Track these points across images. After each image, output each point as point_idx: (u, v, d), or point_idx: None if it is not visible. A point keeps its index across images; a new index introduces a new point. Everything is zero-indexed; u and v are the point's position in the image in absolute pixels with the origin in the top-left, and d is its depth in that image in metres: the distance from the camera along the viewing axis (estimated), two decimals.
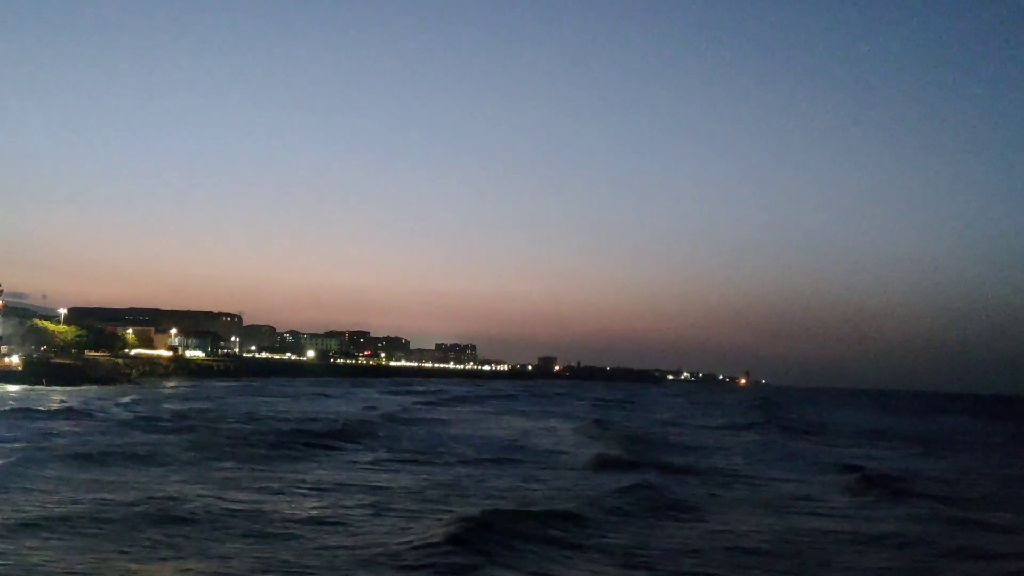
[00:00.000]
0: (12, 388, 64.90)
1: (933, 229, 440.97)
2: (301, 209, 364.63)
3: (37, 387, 69.10)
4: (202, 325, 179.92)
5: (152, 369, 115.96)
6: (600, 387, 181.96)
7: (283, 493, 21.02)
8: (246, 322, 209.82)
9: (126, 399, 56.35)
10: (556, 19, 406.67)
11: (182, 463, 25.31)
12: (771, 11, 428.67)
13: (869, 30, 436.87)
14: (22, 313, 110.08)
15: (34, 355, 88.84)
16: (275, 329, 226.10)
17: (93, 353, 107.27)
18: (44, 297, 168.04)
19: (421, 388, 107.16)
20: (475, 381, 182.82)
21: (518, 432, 44.84)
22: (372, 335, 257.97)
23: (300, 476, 24.15)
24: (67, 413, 42.22)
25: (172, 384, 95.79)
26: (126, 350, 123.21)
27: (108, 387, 75.62)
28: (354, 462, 28.53)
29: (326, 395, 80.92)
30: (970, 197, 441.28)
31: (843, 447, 44.35)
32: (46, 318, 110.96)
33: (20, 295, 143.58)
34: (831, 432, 56.35)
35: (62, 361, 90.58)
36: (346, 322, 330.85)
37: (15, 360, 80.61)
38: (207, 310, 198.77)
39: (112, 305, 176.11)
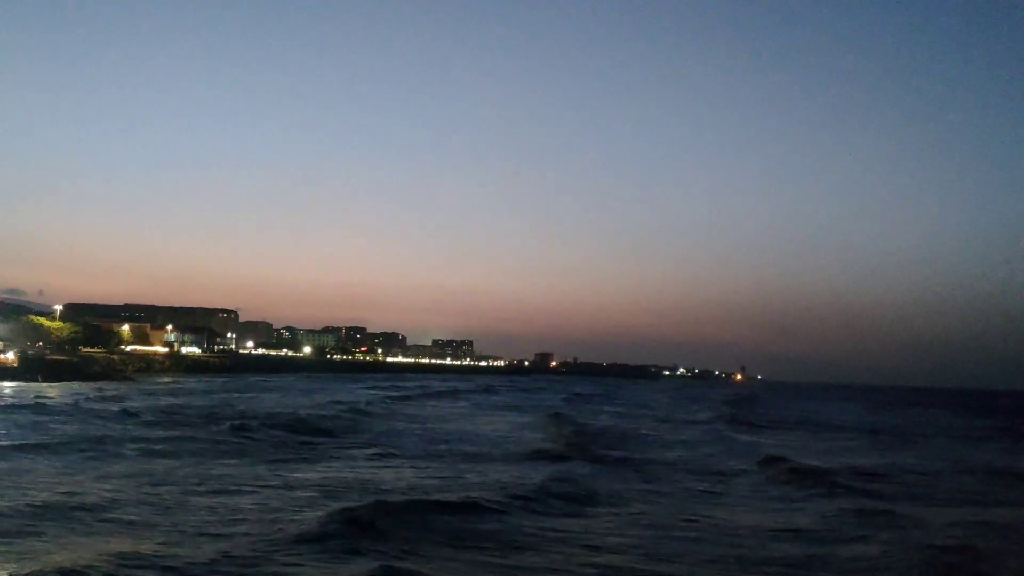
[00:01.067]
0: (7, 385, 65.01)
1: (931, 226, 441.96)
2: (298, 205, 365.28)
3: (33, 384, 69.18)
4: (198, 321, 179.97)
5: (148, 365, 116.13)
6: (586, 383, 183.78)
7: (176, 484, 21.06)
8: (242, 318, 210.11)
9: (107, 394, 56.49)
10: (559, 15, 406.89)
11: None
12: (774, 9, 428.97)
13: (868, 28, 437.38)
14: (18, 309, 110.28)
15: (30, 352, 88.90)
16: (271, 325, 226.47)
17: (89, 349, 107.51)
18: (41, 293, 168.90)
19: (406, 384, 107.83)
20: (466, 377, 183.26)
21: (473, 425, 45.51)
22: (369, 331, 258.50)
23: (210, 470, 24.20)
24: (33, 408, 42.46)
25: (167, 380, 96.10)
26: (122, 346, 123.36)
27: (97, 383, 75.52)
28: (283, 460, 28.24)
29: (308, 390, 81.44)
30: (967, 195, 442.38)
31: (793, 440, 45.02)
32: (42, 314, 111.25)
33: (17, 291, 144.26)
34: (789, 427, 57.09)
35: (58, 358, 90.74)
36: (343, 318, 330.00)
37: (11, 357, 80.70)
38: (203, 306, 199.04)
39: (108, 301, 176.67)
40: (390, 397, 69.54)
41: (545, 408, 62.70)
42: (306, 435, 35.70)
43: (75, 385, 70.09)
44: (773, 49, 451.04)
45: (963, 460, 36.13)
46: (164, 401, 53.64)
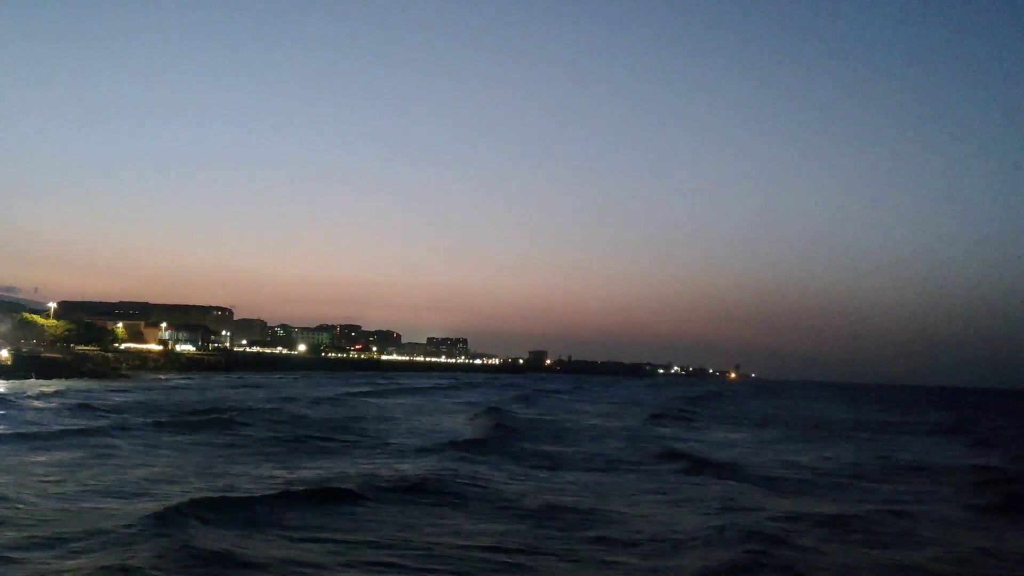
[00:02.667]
0: (0, 383, 65.34)
1: (927, 224, 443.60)
2: (292, 202, 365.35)
3: (26, 381, 69.46)
4: (193, 319, 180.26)
5: (143, 363, 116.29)
6: (569, 380, 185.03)
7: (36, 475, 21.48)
8: (237, 316, 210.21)
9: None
10: (554, 13, 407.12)
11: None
12: (769, 6, 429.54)
13: (864, 24, 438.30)
14: (12, 307, 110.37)
15: (24, 349, 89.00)
16: (266, 323, 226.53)
17: (83, 347, 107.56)
18: (36, 291, 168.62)
19: (384, 380, 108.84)
20: (454, 374, 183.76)
21: (410, 419, 45.87)
22: (363, 329, 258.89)
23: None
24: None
25: (162, 376, 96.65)
26: (116, 344, 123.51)
27: (87, 381, 75.87)
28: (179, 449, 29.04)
29: (281, 386, 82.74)
30: (963, 192, 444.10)
31: (724, 436, 45.77)
32: (36, 312, 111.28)
33: (11, 289, 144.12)
34: (735, 423, 57.92)
35: (52, 355, 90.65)
36: (337, 316, 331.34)
37: (4, 354, 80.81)
38: (198, 304, 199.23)
39: (102, 299, 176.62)
40: (358, 393, 70.87)
41: (494, 402, 63.09)
42: (213, 426, 36.01)
43: (71, 383, 70.26)
44: (771, 47, 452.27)
45: (878, 455, 37.25)
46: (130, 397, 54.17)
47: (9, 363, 78.17)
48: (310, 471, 23.70)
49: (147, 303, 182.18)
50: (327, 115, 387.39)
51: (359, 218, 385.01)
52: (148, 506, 16.95)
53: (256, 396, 59.46)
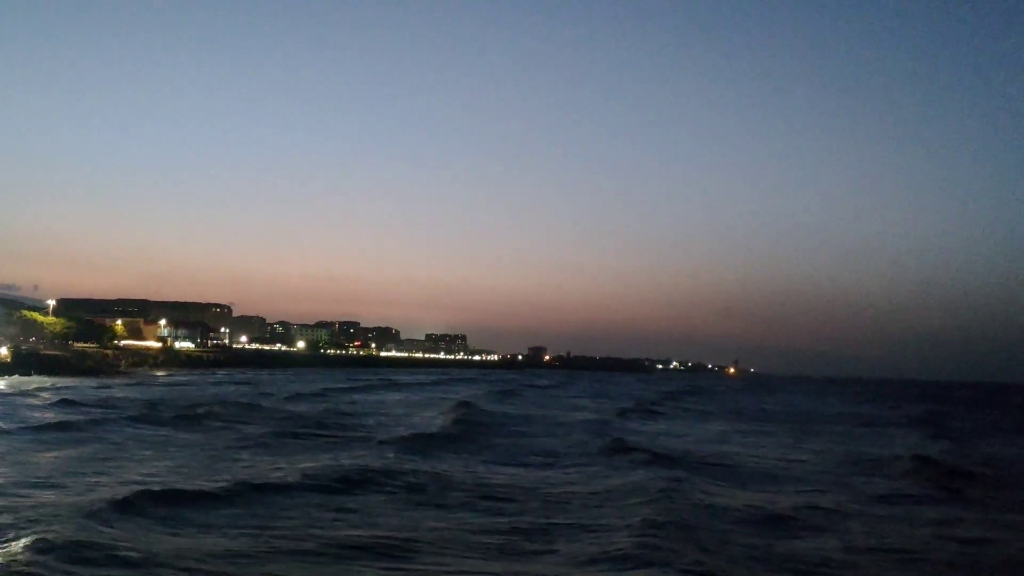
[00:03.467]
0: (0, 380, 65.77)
1: (922, 218, 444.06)
2: (291, 200, 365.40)
3: (25, 378, 69.89)
4: (191, 316, 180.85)
5: (142, 360, 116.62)
6: (561, 374, 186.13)
7: None
8: (236, 313, 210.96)
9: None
10: (546, 9, 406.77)
11: None
12: (758, 3, 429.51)
13: (854, 20, 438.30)
14: (11, 304, 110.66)
15: (23, 346, 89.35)
16: (265, 320, 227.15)
17: (82, 344, 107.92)
18: (35, 288, 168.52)
19: (375, 377, 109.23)
20: (447, 371, 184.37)
21: (381, 414, 45.85)
22: (362, 325, 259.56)
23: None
24: None
25: (160, 373, 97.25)
26: (115, 341, 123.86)
27: (85, 379, 76.28)
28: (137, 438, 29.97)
29: (270, 382, 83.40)
30: (958, 185, 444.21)
31: (680, 427, 46.26)
32: (35, 309, 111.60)
33: (11, 286, 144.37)
34: (700, 416, 58.75)
35: (51, 352, 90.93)
36: (336, 312, 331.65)
37: (3, 352, 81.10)
38: (196, 301, 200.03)
39: (101, 296, 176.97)
40: (339, 388, 71.74)
41: (470, 397, 63.45)
42: (177, 422, 36.63)
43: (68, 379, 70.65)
44: (763, 45, 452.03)
45: (838, 446, 37.90)
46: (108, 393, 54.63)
47: (9, 360, 78.58)
48: (247, 466, 23.83)
49: (146, 300, 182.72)
50: (325, 113, 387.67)
51: (358, 215, 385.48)
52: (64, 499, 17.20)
53: (238, 391, 60.31)
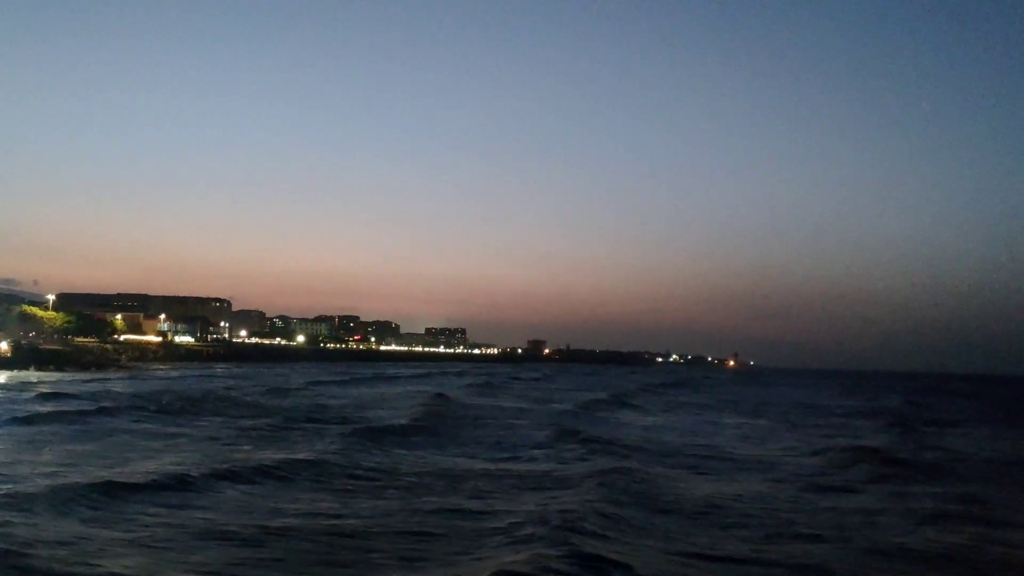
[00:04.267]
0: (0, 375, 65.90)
1: (925, 210, 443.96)
2: (290, 194, 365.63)
3: (24, 373, 69.99)
4: (191, 310, 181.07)
5: (142, 355, 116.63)
6: (555, 367, 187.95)
7: None
8: (236, 307, 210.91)
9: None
10: (540, 7, 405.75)
11: None
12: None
13: (862, 11, 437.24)
14: (11, 299, 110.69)
15: (23, 341, 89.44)
16: (265, 314, 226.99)
17: (82, 339, 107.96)
18: (35, 283, 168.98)
19: (369, 371, 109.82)
20: (441, 364, 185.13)
21: (354, 406, 46.49)
22: (362, 319, 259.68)
23: None
24: None
25: (161, 367, 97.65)
26: (115, 336, 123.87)
27: (83, 373, 76.51)
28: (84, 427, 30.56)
29: (253, 375, 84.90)
30: (957, 177, 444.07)
31: (645, 420, 46.85)
32: (35, 304, 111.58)
33: (11, 281, 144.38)
34: (672, 407, 59.73)
35: (51, 347, 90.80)
36: (336, 307, 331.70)
37: (3, 346, 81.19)
38: (196, 295, 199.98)
39: (101, 291, 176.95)
40: (322, 382, 72.79)
41: (445, 389, 64.14)
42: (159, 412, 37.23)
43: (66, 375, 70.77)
44: (766, 35, 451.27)
45: (798, 437, 38.68)
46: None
47: (9, 355, 78.70)
48: (190, 457, 23.92)
49: (146, 295, 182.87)
50: (325, 108, 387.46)
51: (358, 210, 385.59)
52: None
53: (223, 384, 61.30)
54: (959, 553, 15.02)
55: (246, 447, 26.69)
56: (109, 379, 66.58)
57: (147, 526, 15.06)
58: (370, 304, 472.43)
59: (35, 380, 60.11)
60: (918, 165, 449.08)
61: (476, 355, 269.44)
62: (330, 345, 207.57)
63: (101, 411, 35.80)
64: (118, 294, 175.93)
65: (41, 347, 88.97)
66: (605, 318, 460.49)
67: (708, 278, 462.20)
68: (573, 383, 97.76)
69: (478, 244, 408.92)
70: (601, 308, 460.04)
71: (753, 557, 14.35)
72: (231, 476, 20.15)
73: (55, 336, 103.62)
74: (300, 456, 23.94)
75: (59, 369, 76.76)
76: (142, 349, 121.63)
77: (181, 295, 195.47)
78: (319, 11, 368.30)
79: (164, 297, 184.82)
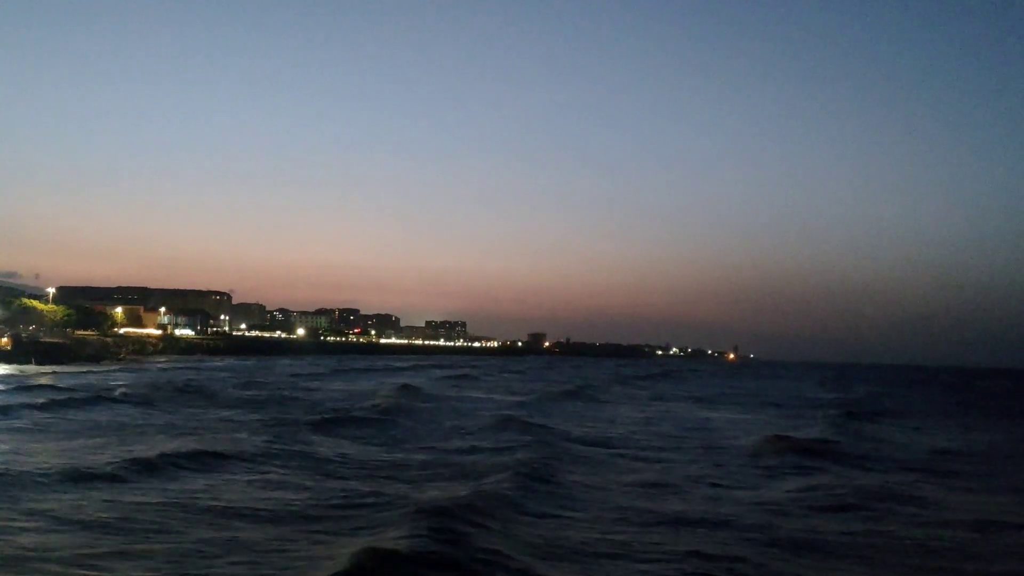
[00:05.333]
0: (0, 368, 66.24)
1: (926, 204, 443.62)
2: (291, 188, 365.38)
3: (25, 366, 70.32)
4: (191, 303, 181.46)
5: (142, 348, 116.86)
6: (541, 360, 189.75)
7: None
8: (236, 300, 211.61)
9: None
10: (555, 1, 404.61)
11: None
12: None
13: (850, 5, 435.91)
14: (11, 292, 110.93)
15: (23, 335, 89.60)
16: (265, 307, 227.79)
17: (82, 332, 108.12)
18: (37, 276, 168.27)
19: (359, 364, 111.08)
20: (431, 357, 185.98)
21: (326, 399, 47.25)
22: (362, 312, 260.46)
23: None
24: None
25: (161, 360, 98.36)
26: (115, 329, 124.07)
27: (80, 366, 76.97)
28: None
29: (239, 368, 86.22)
30: (956, 171, 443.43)
31: (600, 412, 47.50)
32: (35, 297, 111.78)
33: (12, 274, 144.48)
34: (635, 400, 60.60)
35: (51, 340, 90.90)
36: (336, 300, 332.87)
37: (3, 340, 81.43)
38: (196, 288, 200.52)
39: (101, 284, 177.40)
40: (306, 374, 74.63)
41: (417, 382, 65.36)
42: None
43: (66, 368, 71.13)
44: (767, 29, 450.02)
45: (742, 428, 39.60)
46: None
47: (9, 348, 78.90)
48: (133, 448, 24.17)
49: (146, 288, 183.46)
50: (325, 101, 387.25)
51: (358, 202, 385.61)
52: None
53: (206, 376, 63.12)
54: (839, 542, 15.43)
55: (184, 438, 27.28)
56: (94, 372, 67.21)
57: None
58: (370, 297, 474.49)
59: (32, 373, 60.51)
60: (920, 159, 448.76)
61: (476, 348, 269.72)
62: (330, 338, 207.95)
63: (66, 403, 36.45)
64: (118, 287, 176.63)
65: (41, 340, 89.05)
66: (606, 311, 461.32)
67: (710, 271, 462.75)
68: (551, 377, 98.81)
69: (479, 237, 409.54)
70: (602, 301, 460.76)
71: (621, 542, 14.86)
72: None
73: (55, 329, 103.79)
74: (218, 448, 24.13)
75: (58, 363, 77.03)
76: (142, 342, 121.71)
77: (181, 288, 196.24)
78: (322, 6, 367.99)
79: (164, 290, 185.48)
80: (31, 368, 67.82)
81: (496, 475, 20.77)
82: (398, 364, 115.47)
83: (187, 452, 22.53)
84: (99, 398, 38.86)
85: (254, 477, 20.28)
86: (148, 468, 20.19)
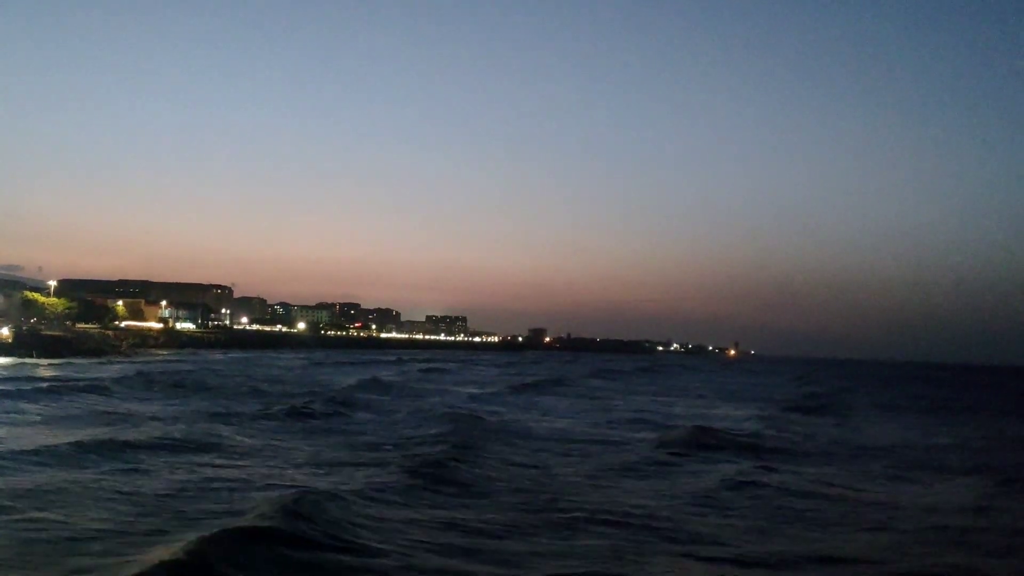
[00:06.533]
0: (1, 360, 66.60)
1: (926, 201, 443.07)
2: (291, 181, 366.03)
3: (27, 360, 70.67)
4: (192, 297, 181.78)
5: (143, 341, 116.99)
6: (532, 355, 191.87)
7: None
8: (237, 294, 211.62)
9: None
10: None
11: None
12: None
13: (852, 3, 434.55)
14: (13, 285, 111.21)
15: (24, 327, 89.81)
16: (266, 301, 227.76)
17: (84, 325, 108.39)
18: (40, 269, 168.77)
19: (349, 358, 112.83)
20: (426, 351, 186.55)
21: (277, 390, 48.71)
22: (363, 307, 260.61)
23: None
24: None
25: (161, 353, 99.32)
26: (117, 322, 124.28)
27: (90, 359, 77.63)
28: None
29: (227, 360, 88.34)
30: (957, 167, 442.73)
31: (545, 402, 49.45)
32: (37, 290, 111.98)
33: (15, 267, 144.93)
34: (597, 393, 62.71)
35: (52, 333, 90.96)
36: (337, 294, 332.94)
37: (5, 332, 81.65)
38: (197, 282, 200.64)
39: (103, 277, 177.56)
40: (297, 368, 77.02)
41: (391, 376, 67.31)
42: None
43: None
44: (767, 26, 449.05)
45: (672, 421, 40.70)
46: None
47: (10, 341, 79.19)
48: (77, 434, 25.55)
49: (147, 281, 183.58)
50: (327, 96, 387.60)
51: (359, 197, 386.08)
52: None
53: (182, 368, 65.32)
54: (705, 531, 16.22)
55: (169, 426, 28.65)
56: (74, 364, 68.59)
57: None
58: (371, 292, 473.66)
59: (31, 364, 61.45)
60: (921, 156, 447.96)
61: (477, 343, 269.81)
62: (331, 332, 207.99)
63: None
64: (120, 280, 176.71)
65: (43, 333, 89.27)
66: (608, 307, 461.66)
67: (713, 268, 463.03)
68: (535, 370, 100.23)
69: (480, 232, 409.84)
70: (604, 297, 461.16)
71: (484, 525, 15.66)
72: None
73: (56, 322, 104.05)
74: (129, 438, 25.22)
75: (60, 356, 77.37)
76: (143, 335, 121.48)
77: (183, 282, 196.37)
78: (324, 6, 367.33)
79: (166, 283, 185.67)
80: (31, 361, 68.19)
81: (390, 466, 21.74)
82: (384, 358, 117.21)
83: (97, 442, 23.75)
84: (101, 387, 40.98)
85: (129, 467, 20.91)
86: (55, 454, 21.66)
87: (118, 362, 73.58)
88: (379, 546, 13.83)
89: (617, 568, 13.13)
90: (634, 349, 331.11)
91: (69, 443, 22.89)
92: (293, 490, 17.21)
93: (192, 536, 12.95)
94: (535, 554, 13.94)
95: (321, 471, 21.26)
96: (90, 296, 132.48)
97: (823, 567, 13.84)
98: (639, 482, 21.90)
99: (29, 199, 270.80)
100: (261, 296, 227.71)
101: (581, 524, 16.19)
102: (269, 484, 18.92)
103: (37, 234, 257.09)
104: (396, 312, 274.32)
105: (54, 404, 34.60)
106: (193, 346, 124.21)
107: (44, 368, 59.20)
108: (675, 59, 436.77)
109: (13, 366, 59.68)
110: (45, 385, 40.86)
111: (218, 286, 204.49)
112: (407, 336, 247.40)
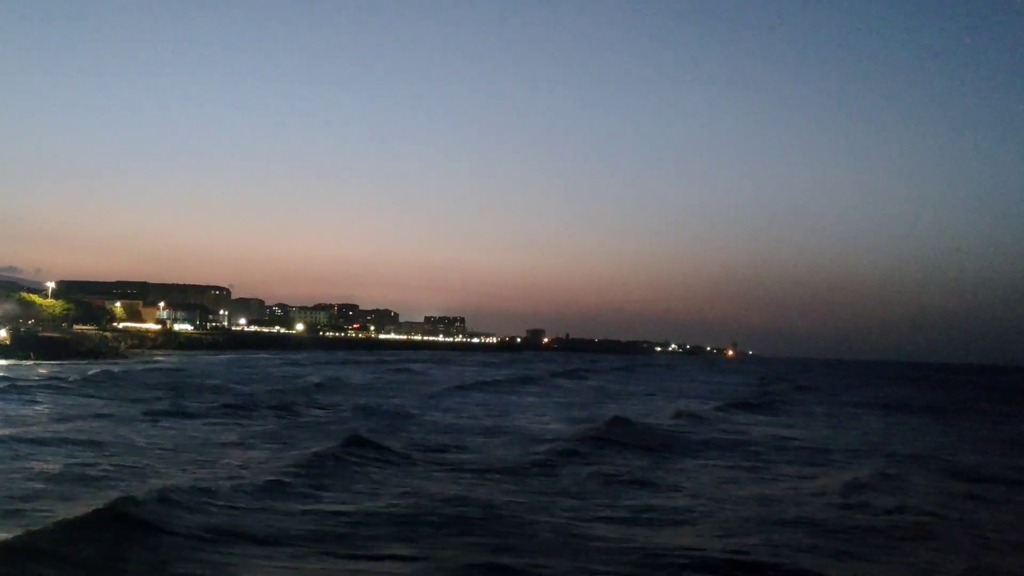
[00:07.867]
0: None
1: (925, 200, 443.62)
2: (290, 182, 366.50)
3: (24, 362, 70.84)
4: (190, 298, 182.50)
5: (141, 342, 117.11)
6: (524, 356, 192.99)
7: None
8: (235, 295, 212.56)
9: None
10: None
11: None
12: None
13: (853, 4, 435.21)
14: (11, 287, 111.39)
15: (22, 329, 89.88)
16: (264, 302, 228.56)
17: (81, 327, 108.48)
18: (38, 271, 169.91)
19: (341, 355, 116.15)
20: (419, 352, 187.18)
21: (261, 391, 49.29)
22: (361, 308, 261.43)
23: None
24: None
25: (159, 354, 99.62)
26: (114, 323, 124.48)
27: (79, 361, 77.83)
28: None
29: (216, 360, 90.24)
30: (957, 166, 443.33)
31: (510, 398, 51.36)
32: (35, 291, 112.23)
33: (13, 269, 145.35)
34: (551, 388, 64.81)
35: (50, 335, 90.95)
36: (335, 295, 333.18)
37: (2, 334, 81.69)
38: (195, 283, 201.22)
39: (100, 278, 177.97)
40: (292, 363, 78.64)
41: (359, 375, 69.30)
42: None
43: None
44: (765, 24, 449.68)
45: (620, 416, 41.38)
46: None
47: (8, 342, 79.24)
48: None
49: (145, 282, 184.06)
50: (324, 96, 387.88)
51: (357, 198, 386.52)
52: None
53: (158, 367, 67.48)
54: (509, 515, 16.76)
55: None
56: (77, 365, 69.40)
57: None
58: (369, 293, 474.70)
59: (28, 366, 62.00)
60: (920, 157, 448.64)
61: (475, 344, 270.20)
62: (329, 333, 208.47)
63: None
64: (118, 282, 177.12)
65: (40, 335, 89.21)
66: (606, 308, 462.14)
67: (711, 268, 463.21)
68: (509, 369, 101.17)
69: (478, 233, 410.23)
70: (604, 298, 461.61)
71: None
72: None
73: (54, 324, 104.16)
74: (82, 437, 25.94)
75: (57, 357, 77.53)
76: (141, 337, 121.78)
77: (180, 283, 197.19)
78: (321, 6, 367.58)
79: (163, 285, 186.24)
80: (28, 363, 68.36)
81: (284, 460, 22.24)
82: (370, 359, 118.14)
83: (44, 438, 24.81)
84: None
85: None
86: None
87: (116, 363, 73.64)
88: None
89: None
90: (631, 350, 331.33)
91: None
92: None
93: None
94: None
95: (191, 467, 21.25)
96: (88, 298, 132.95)
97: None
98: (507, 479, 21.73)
99: (27, 201, 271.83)
100: (259, 297, 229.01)
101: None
102: (119, 479, 19.30)
103: (34, 235, 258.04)
104: (394, 313, 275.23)
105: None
106: (191, 347, 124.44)
107: (43, 369, 59.88)
108: (675, 59, 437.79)
109: (7, 368, 59.87)
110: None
111: (216, 287, 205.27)
112: (405, 337, 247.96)
